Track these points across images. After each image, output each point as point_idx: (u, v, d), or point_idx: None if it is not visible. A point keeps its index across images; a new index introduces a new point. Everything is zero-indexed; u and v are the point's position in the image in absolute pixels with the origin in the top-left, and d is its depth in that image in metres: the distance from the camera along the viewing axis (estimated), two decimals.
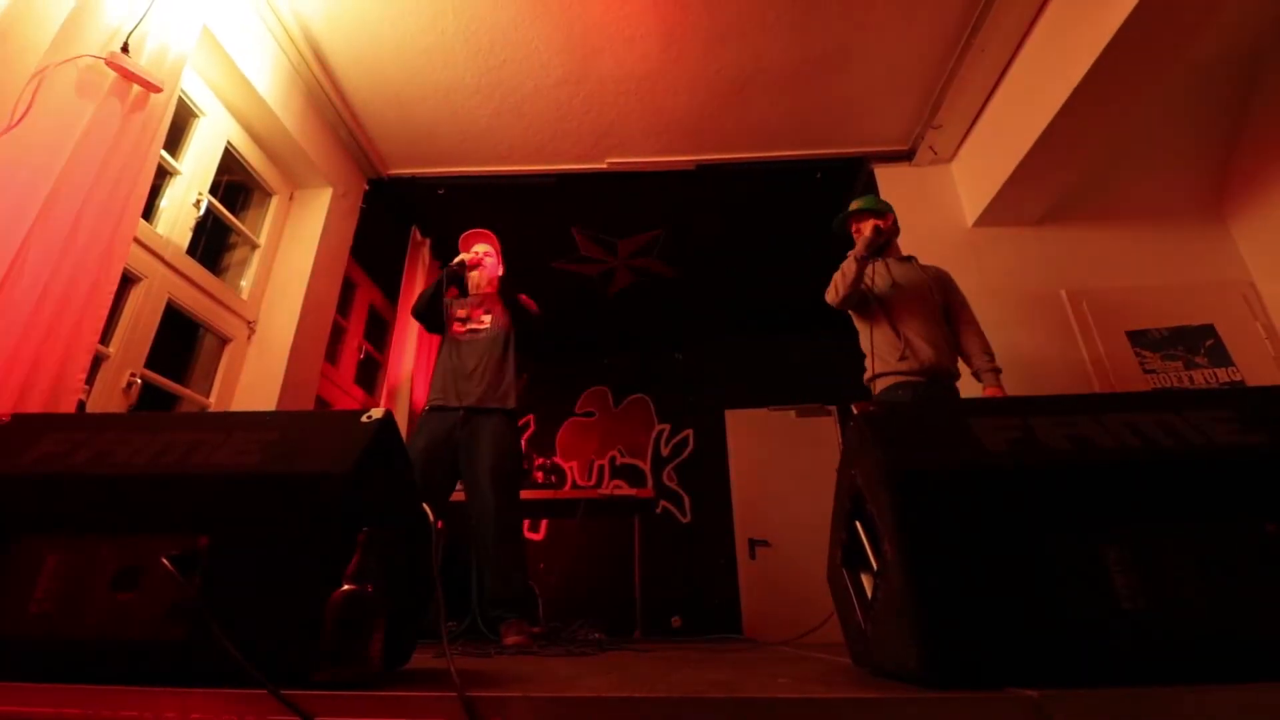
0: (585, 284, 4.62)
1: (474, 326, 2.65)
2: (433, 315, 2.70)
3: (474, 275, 2.77)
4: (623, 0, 2.56)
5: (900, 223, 3.24)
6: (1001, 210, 3.04)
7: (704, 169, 3.41)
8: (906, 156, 3.35)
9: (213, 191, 2.59)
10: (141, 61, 1.84)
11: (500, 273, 2.84)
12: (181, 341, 2.60)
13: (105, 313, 1.79)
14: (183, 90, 2.39)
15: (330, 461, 0.78)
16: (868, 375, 2.46)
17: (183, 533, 0.76)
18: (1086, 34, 2.29)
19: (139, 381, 2.17)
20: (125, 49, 1.77)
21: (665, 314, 5.13)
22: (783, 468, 4.92)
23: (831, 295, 2.48)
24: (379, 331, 4.14)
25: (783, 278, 4.55)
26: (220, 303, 2.61)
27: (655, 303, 4.92)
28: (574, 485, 5.23)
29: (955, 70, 2.84)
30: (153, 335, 2.28)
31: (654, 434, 5.40)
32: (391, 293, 4.22)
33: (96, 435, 0.86)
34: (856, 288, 2.43)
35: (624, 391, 5.59)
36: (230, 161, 2.75)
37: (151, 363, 2.29)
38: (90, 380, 2.03)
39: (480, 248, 2.83)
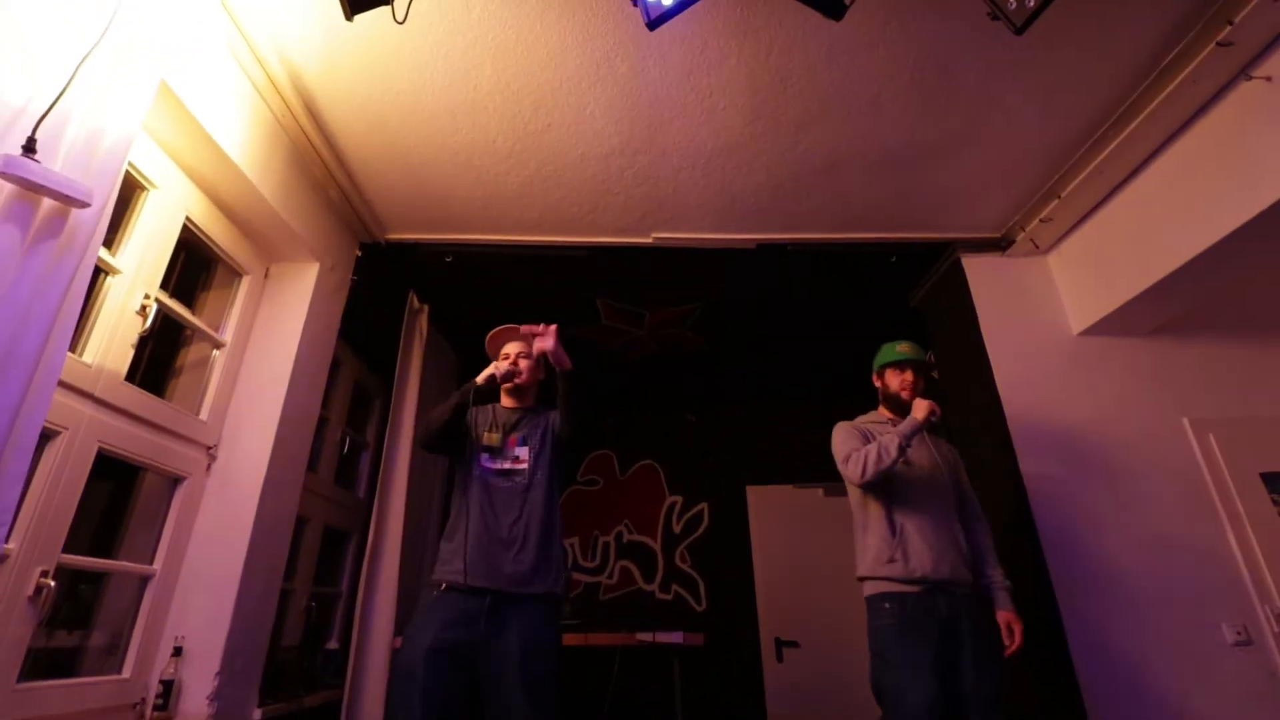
0: (602, 350, 4.06)
1: (506, 466, 2.04)
2: (452, 446, 2.08)
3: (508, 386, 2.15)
4: (711, 68, 2.03)
5: (991, 323, 2.82)
6: (1116, 322, 2.62)
7: (765, 248, 2.91)
8: (998, 245, 2.91)
9: (166, 270, 1.95)
10: (58, 160, 1.22)
11: (541, 377, 2.23)
12: (114, 494, 1.96)
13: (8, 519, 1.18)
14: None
15: None
16: (858, 573, 2.09)
17: None
18: None
19: (51, 584, 1.54)
20: (31, 146, 1.16)
21: (683, 377, 4.60)
22: (811, 554, 4.47)
23: (855, 472, 2.02)
24: (362, 409, 3.51)
25: (826, 352, 4.08)
26: (169, 432, 1.98)
27: (674, 367, 4.39)
28: (575, 566, 4.68)
29: (1084, 161, 2.40)
30: (74, 507, 1.65)
31: (665, 507, 4.88)
32: (377, 364, 3.60)
33: None
34: (892, 470, 2.01)
35: (631, 457, 5.05)
36: (189, 235, 2.12)
37: (73, 536, 1.66)
38: None
39: (512, 348, 2.19)
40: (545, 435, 2.10)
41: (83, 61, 1.25)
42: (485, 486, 2.01)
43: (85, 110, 1.29)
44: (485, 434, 2.07)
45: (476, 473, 2.03)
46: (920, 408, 2.05)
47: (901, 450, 1.96)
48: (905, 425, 2.02)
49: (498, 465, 2.04)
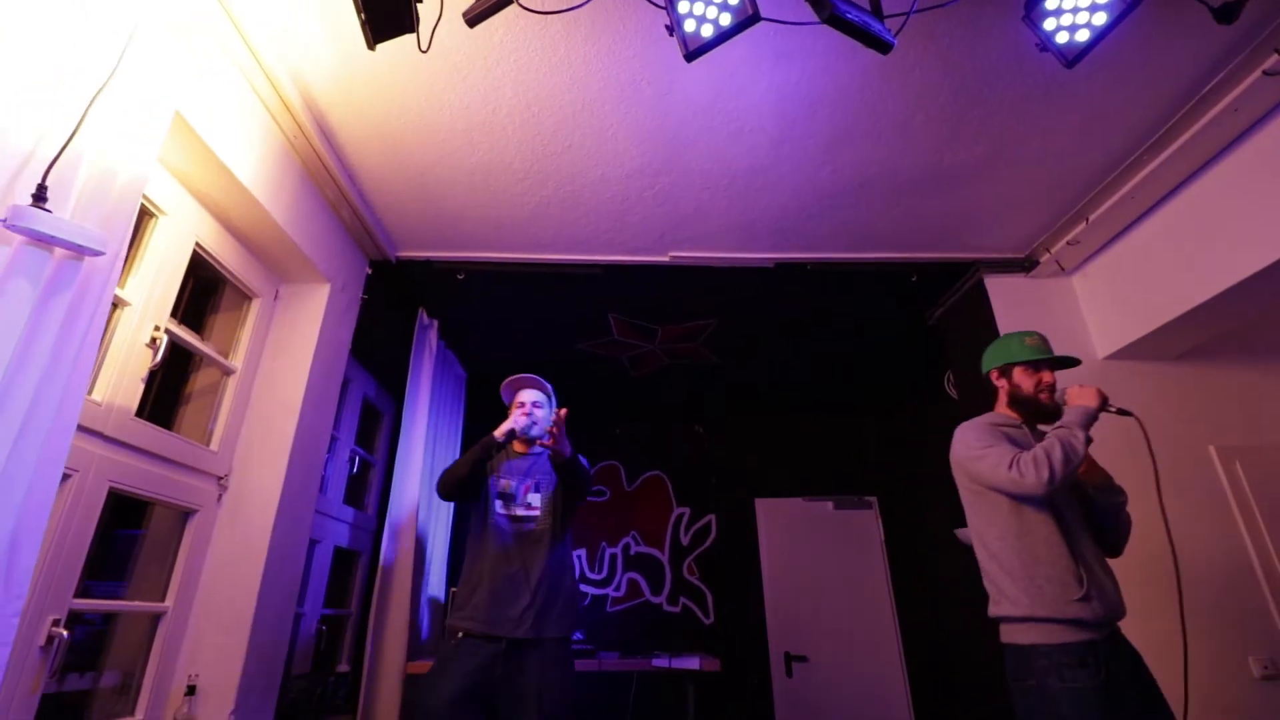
0: (610, 364, 4.01)
1: (522, 513, 2.11)
2: (471, 494, 2.16)
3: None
4: (739, 92, 1.96)
5: None
6: (1144, 347, 2.57)
7: (784, 267, 2.85)
8: (1021, 265, 2.85)
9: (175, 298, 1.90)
10: (69, 206, 1.16)
11: (552, 427, 2.12)
12: (121, 531, 1.91)
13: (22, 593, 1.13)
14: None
15: None
16: (1007, 611, 1.58)
17: None
18: None
19: (63, 634, 1.49)
20: (42, 194, 1.10)
21: (690, 389, 4.55)
22: (820, 568, 4.43)
23: (1039, 477, 1.50)
24: (370, 427, 3.46)
25: (838, 366, 4.04)
26: (180, 465, 1.93)
27: (683, 380, 4.34)
28: (582, 578, 4.64)
29: (1115, 184, 2.35)
30: (86, 551, 1.60)
31: (672, 518, 4.84)
32: (388, 379, 3.54)
33: None
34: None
35: (638, 468, 5.00)
36: (197, 259, 2.05)
37: (83, 575, 1.61)
38: None
39: (527, 396, 2.27)
40: (556, 481, 2.14)
41: (93, 101, 1.19)
42: (499, 533, 2.07)
43: (97, 151, 1.23)
44: (499, 481, 2.15)
45: (491, 520, 2.09)
46: (1090, 395, 1.66)
47: (1088, 444, 1.56)
48: (1078, 416, 1.60)
49: (511, 512, 2.11)
